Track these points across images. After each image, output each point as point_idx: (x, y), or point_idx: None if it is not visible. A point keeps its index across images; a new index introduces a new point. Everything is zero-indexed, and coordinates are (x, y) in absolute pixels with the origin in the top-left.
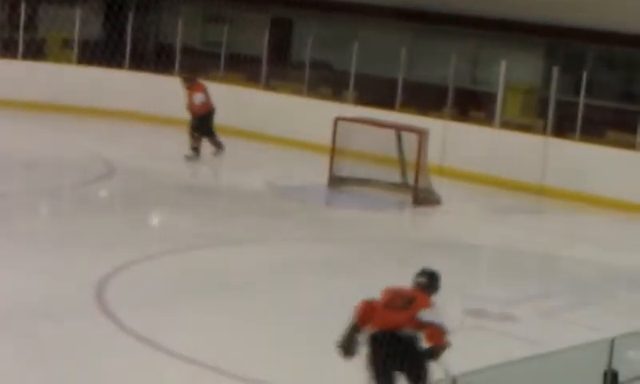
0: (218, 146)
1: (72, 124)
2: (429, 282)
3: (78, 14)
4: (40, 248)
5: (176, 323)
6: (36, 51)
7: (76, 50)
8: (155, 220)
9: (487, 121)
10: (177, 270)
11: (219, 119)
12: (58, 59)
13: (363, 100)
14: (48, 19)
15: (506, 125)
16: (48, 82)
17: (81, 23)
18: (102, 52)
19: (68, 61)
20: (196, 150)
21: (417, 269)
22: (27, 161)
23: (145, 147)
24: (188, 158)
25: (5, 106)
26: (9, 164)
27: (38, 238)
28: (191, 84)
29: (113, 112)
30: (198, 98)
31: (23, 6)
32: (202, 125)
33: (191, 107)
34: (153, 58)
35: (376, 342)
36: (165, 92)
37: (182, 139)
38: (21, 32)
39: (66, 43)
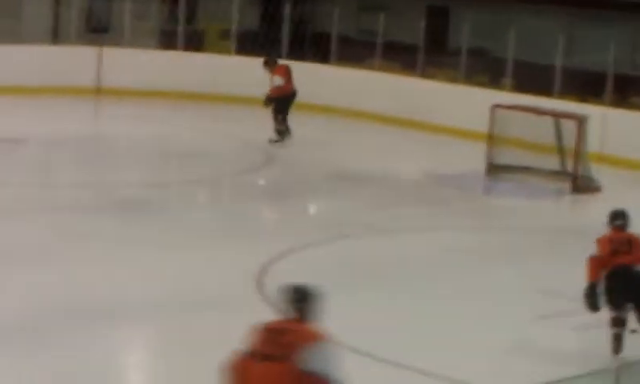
0: (281, 133)
1: (230, 113)
2: (626, 222)
3: (235, 5)
4: (199, 238)
5: (335, 313)
6: (195, 42)
7: (234, 40)
8: (312, 208)
9: None
10: (335, 259)
11: (377, 107)
12: (216, 50)
13: (520, 87)
14: (207, 11)
15: None
16: (206, 72)
17: (239, 14)
18: (260, 42)
19: (226, 51)
20: (280, 132)
21: (576, 257)
22: (186, 150)
23: (301, 136)
24: (272, 142)
25: (165, 97)
26: (168, 154)
27: (196, 228)
28: (272, 67)
29: None
30: (277, 80)
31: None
32: (281, 107)
33: (271, 89)
34: (309, 47)
35: (613, 278)
36: (321, 81)
37: (334, 126)
38: (181, 24)
39: (224, 34)
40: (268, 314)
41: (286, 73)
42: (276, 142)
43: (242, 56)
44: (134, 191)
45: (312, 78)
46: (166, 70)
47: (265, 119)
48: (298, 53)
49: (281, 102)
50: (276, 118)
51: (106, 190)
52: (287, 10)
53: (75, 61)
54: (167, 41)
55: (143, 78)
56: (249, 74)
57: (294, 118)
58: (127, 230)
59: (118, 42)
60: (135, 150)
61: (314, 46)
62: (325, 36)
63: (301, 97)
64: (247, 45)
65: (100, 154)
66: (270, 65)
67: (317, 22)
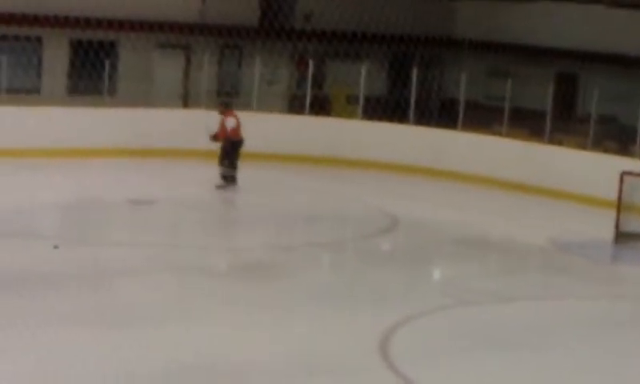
0: (227, 179)
1: (354, 177)
2: None
3: (363, 70)
4: (322, 301)
5: (455, 380)
6: (323, 107)
7: (360, 105)
8: (435, 274)
9: None
10: (457, 325)
11: (504, 172)
12: (343, 114)
13: None
14: (335, 76)
15: None
16: (332, 136)
17: (365, 79)
18: (386, 107)
19: (353, 116)
20: (226, 178)
21: None
22: (311, 214)
23: (427, 200)
24: (219, 187)
25: (291, 160)
26: (293, 217)
27: (319, 291)
28: (224, 109)
29: (396, 166)
30: (230, 122)
31: (311, 63)
32: (230, 150)
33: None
34: (436, 112)
35: None
36: (449, 146)
37: (458, 191)
38: (308, 88)
39: (352, 99)
40: (388, 379)
41: (238, 119)
42: (221, 187)
43: (368, 121)
44: (259, 254)
45: (439, 144)
46: (293, 133)
47: (391, 184)
48: (425, 118)
49: (230, 146)
50: (222, 163)
51: (231, 252)
52: (414, 75)
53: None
54: (295, 105)
55: (271, 141)
56: (374, 138)
57: (420, 184)
58: (251, 292)
59: (247, 106)
60: (261, 213)
61: (442, 112)
62: (452, 101)
63: (427, 162)
64: (374, 110)
65: (226, 217)
66: (222, 107)
67: (444, 88)
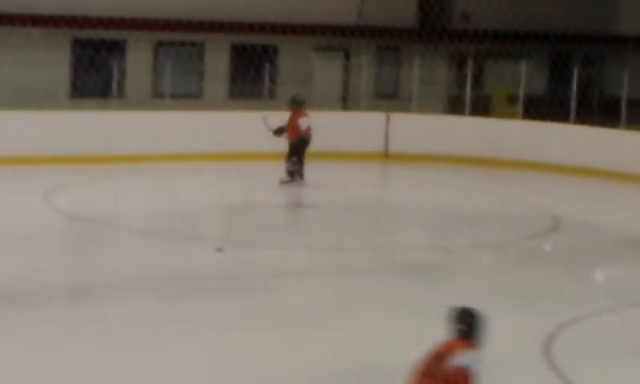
0: (292, 175)
1: (515, 178)
2: None
3: (523, 69)
4: (483, 303)
5: (622, 382)
6: (482, 107)
7: (521, 105)
8: (599, 275)
9: None
10: (622, 327)
11: None
12: (503, 114)
13: None
14: (494, 75)
15: None
16: (492, 136)
17: (526, 78)
18: (547, 106)
19: (513, 116)
20: (291, 173)
21: None
22: (471, 215)
23: (590, 200)
24: (283, 182)
25: (451, 161)
26: (454, 218)
27: (481, 292)
28: (297, 107)
29: (557, 166)
30: (304, 122)
31: (470, 64)
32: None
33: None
34: (598, 110)
35: None
36: (612, 145)
37: (622, 191)
38: (468, 89)
39: (512, 98)
40: (553, 380)
41: (309, 119)
42: (286, 182)
43: (529, 121)
44: (420, 255)
45: (600, 143)
46: (453, 134)
47: (553, 184)
48: (585, 116)
49: (301, 144)
50: (291, 159)
51: (392, 254)
52: (575, 72)
53: (364, 126)
54: (454, 106)
55: (430, 142)
56: (535, 138)
57: (583, 184)
58: (413, 293)
59: (405, 107)
60: (421, 214)
61: (604, 110)
62: (614, 99)
63: (589, 162)
64: (534, 109)
65: (387, 218)
66: (295, 105)
67: (606, 85)
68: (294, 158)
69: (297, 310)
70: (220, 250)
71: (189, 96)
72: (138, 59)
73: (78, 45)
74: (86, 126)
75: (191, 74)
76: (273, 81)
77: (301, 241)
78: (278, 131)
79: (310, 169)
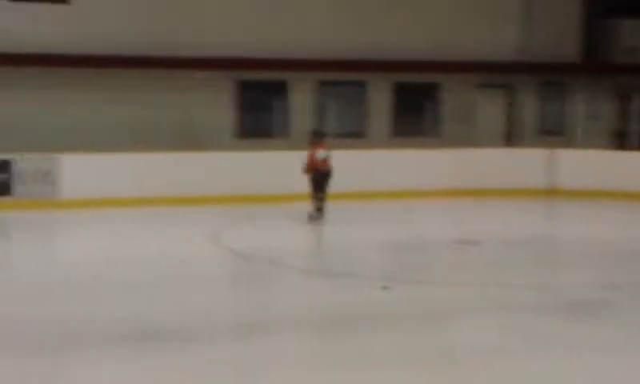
0: (320, 210)
1: None
2: None
3: None
4: None
5: None
6: None
7: None
8: None
9: None
10: None
11: None
12: None
13: None
14: None
15: None
16: None
17: None
18: None
19: None
20: (320, 209)
21: None
22: (633, 250)
23: None
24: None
25: (617, 197)
26: (621, 254)
27: None
28: (316, 141)
29: None
30: (321, 154)
31: (636, 98)
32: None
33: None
34: None
35: None
36: None
37: None
38: (633, 123)
39: None
40: None
41: (328, 150)
42: (315, 218)
43: None
44: (587, 292)
45: None
46: (618, 169)
47: None
48: None
49: (320, 177)
50: (316, 195)
51: (558, 291)
52: None
53: (527, 162)
54: (619, 140)
55: (595, 178)
56: None
57: None
58: (579, 333)
59: (569, 143)
60: (588, 251)
61: None
62: None
63: None
64: None
65: (553, 255)
66: (314, 138)
67: None
68: (320, 194)
69: (466, 347)
70: (385, 287)
71: (352, 135)
72: (301, 99)
73: (243, 86)
74: (252, 165)
75: (354, 113)
76: (435, 118)
77: (467, 278)
78: (304, 170)
79: (474, 207)
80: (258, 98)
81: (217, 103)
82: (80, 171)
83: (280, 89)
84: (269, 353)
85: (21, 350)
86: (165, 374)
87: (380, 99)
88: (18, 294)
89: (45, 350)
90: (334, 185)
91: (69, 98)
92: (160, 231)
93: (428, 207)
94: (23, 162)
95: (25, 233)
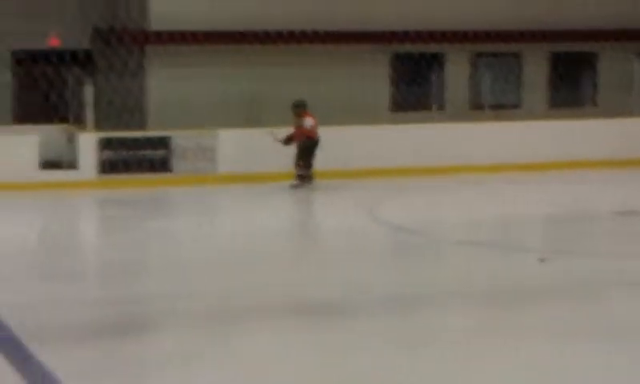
0: (303, 178)
1: None
2: None
3: None
4: None
5: None
6: None
7: None
8: None
9: None
10: None
11: None
12: None
13: None
14: None
15: None
16: None
17: None
18: None
19: None
20: (302, 177)
21: None
22: None
23: None
24: (293, 186)
25: None
26: None
27: None
28: (300, 111)
29: None
30: (308, 122)
31: None
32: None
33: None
34: None
35: None
36: None
37: None
38: None
39: None
40: None
41: (315, 119)
42: (296, 186)
43: None
44: None
45: None
46: None
47: None
48: None
49: (307, 145)
50: (298, 163)
51: None
52: None
53: None
54: None
55: None
56: None
57: None
58: None
59: None
60: None
61: None
62: None
63: None
64: None
65: None
66: (298, 109)
67: None
68: (301, 161)
69: (627, 320)
70: (543, 260)
71: (508, 106)
72: (456, 71)
73: (398, 59)
74: (407, 138)
75: (510, 85)
76: (594, 88)
77: (627, 250)
78: (287, 140)
79: (632, 177)
80: (413, 71)
81: (372, 77)
82: (236, 146)
83: (435, 61)
84: (434, 326)
85: (189, 325)
86: (325, 348)
87: (536, 70)
88: (182, 270)
89: (210, 323)
90: (494, 156)
91: (226, 74)
92: (320, 204)
93: (586, 178)
94: (182, 139)
95: (185, 208)
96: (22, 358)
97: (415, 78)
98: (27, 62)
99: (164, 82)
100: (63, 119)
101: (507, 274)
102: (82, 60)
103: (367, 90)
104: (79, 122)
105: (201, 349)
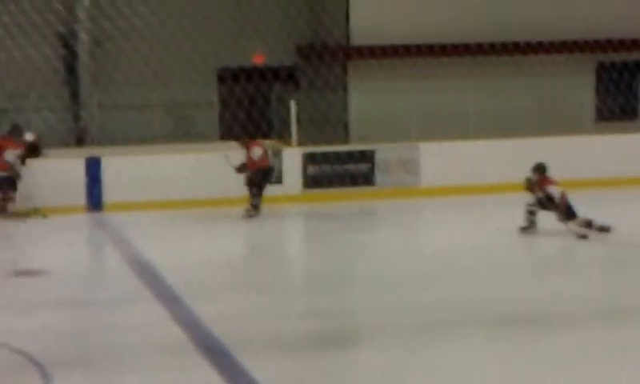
0: (255, 208)
1: None
2: None
3: None
4: None
5: None
6: None
7: None
8: None
9: None
10: None
11: None
12: None
13: None
14: None
15: None
16: None
17: None
18: None
19: None
20: (254, 207)
21: None
22: None
23: None
24: (245, 216)
25: None
26: None
27: None
28: (248, 141)
29: None
30: (257, 152)
31: None
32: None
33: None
34: None
35: None
36: None
37: None
38: None
39: None
40: None
41: (264, 148)
42: (249, 216)
43: None
44: None
45: None
46: None
47: None
48: None
49: (259, 175)
50: (251, 191)
51: None
52: None
53: None
54: None
55: None
56: None
57: None
58: None
59: None
60: None
61: None
62: None
63: None
64: None
65: None
66: (246, 140)
67: None
68: (254, 190)
69: None
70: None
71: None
72: None
73: (603, 68)
74: (610, 149)
75: None
76: None
77: None
78: (241, 168)
79: None
80: (618, 80)
81: (575, 86)
82: (439, 159)
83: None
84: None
85: (389, 335)
86: (537, 360)
87: None
88: (388, 282)
89: (412, 335)
90: None
91: (427, 87)
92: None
93: None
94: (385, 152)
95: (389, 221)
96: (229, 368)
97: (620, 86)
98: (231, 79)
99: (366, 95)
100: (265, 135)
101: None
102: (284, 77)
103: (570, 100)
104: (281, 137)
105: (406, 362)
